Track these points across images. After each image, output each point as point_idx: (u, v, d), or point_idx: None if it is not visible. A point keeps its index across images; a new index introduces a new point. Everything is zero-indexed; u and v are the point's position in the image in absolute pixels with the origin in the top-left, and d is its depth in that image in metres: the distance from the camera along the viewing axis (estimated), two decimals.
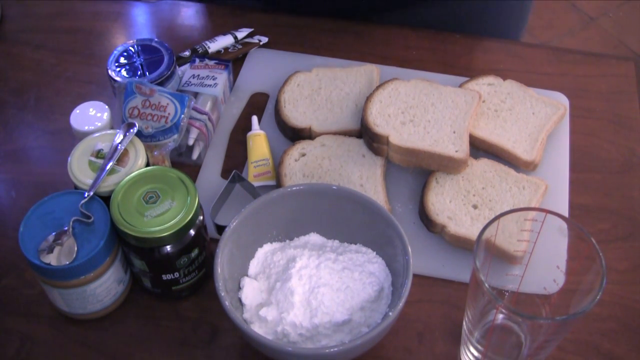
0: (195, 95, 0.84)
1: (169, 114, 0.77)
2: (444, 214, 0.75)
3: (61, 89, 0.93)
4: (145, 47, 0.84)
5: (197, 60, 0.88)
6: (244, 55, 0.95)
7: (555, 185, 0.80)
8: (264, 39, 0.96)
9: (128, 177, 0.68)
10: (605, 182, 0.82)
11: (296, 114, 0.85)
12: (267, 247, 0.71)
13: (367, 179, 0.78)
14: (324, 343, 0.64)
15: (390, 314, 0.61)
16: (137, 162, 0.70)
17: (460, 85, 0.87)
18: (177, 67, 0.87)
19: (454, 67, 0.93)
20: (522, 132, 0.82)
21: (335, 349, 0.61)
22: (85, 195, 0.67)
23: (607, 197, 0.81)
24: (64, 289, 0.66)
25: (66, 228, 0.65)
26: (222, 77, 0.86)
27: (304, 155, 0.81)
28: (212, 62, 0.88)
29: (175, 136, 0.77)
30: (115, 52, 0.83)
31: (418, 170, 0.81)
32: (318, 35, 0.98)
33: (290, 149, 0.81)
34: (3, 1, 1.03)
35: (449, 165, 0.77)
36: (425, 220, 0.76)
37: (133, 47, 0.84)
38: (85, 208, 0.66)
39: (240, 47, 0.95)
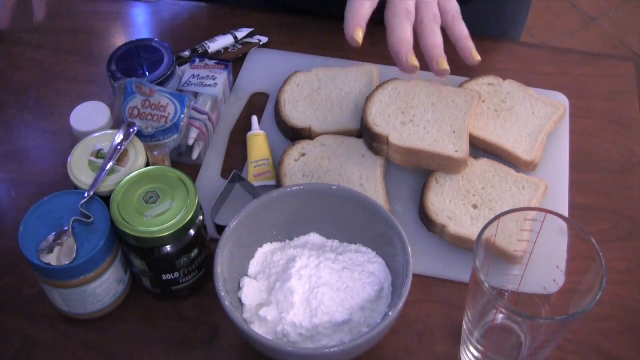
0: (195, 95, 0.84)
1: (169, 114, 0.77)
2: (444, 214, 0.75)
3: (61, 89, 0.93)
4: (145, 47, 0.84)
5: (197, 60, 0.88)
6: (244, 55, 0.95)
7: (555, 185, 0.80)
8: (264, 39, 0.96)
9: (128, 177, 0.68)
10: (605, 182, 0.82)
11: (296, 114, 0.85)
12: (267, 247, 0.71)
13: (367, 179, 0.79)
14: (324, 343, 0.64)
15: (390, 314, 0.61)
16: (137, 162, 0.70)
17: (460, 85, 0.87)
18: (177, 67, 0.87)
19: (454, 67, 0.93)
20: (522, 132, 0.82)
21: (335, 349, 0.61)
22: (85, 195, 0.67)
23: (607, 197, 0.81)
24: (64, 289, 0.66)
25: (66, 228, 0.65)
26: (222, 77, 0.86)
27: (304, 155, 0.81)
28: (212, 62, 0.88)
29: (175, 136, 0.77)
30: (115, 52, 0.83)
31: (418, 170, 0.81)
32: (318, 35, 0.98)
33: (290, 149, 0.81)
34: (3, 1, 1.03)
35: (449, 165, 0.77)
36: (425, 220, 0.76)
37: (133, 47, 0.84)
38: (85, 208, 0.66)
39: (240, 47, 0.95)
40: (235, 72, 0.92)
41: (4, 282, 0.74)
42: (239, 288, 0.68)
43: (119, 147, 0.70)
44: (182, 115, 0.77)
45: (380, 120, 0.80)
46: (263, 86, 0.91)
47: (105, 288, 0.68)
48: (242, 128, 0.86)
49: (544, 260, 0.64)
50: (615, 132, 0.87)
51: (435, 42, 0.78)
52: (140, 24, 1.05)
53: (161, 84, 0.81)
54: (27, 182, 0.83)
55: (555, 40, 2.26)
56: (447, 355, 0.69)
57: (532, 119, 0.84)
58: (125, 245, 0.67)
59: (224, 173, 0.82)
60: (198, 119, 0.82)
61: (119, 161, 0.70)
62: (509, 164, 0.80)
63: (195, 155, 0.83)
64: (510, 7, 1.04)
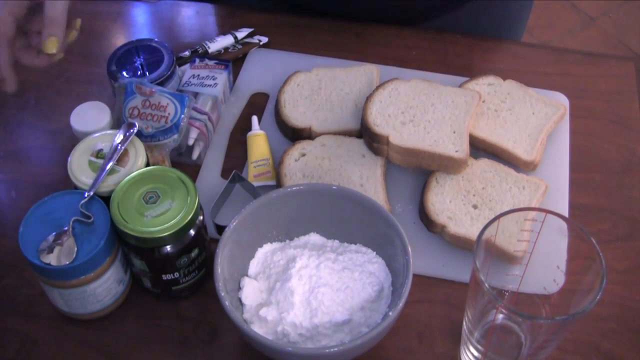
0: (195, 95, 0.84)
1: (169, 114, 0.77)
2: (444, 214, 0.75)
3: (61, 89, 0.93)
4: (145, 47, 0.84)
5: (197, 60, 0.88)
6: (244, 55, 0.95)
7: (555, 185, 0.80)
8: (264, 39, 0.96)
9: (128, 177, 0.68)
10: (605, 182, 0.82)
11: (296, 114, 0.85)
12: (267, 247, 0.71)
13: (367, 179, 0.79)
14: (324, 343, 0.64)
15: (390, 314, 0.61)
16: (137, 162, 0.70)
17: (460, 85, 0.87)
18: (177, 67, 0.87)
19: (454, 67, 0.93)
20: (522, 132, 0.82)
21: (335, 349, 0.61)
22: (85, 195, 0.67)
23: (607, 197, 0.81)
24: (64, 289, 0.66)
25: (66, 228, 0.65)
26: (222, 77, 0.86)
27: (304, 155, 0.81)
28: (212, 62, 0.88)
29: (175, 136, 0.77)
30: (115, 52, 0.83)
31: (418, 170, 0.81)
32: (318, 35, 0.98)
33: (290, 149, 0.81)
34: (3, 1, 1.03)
35: (449, 165, 0.77)
36: (425, 220, 0.76)
37: (133, 47, 0.84)
38: (85, 208, 0.66)
39: (240, 47, 0.95)
40: (235, 72, 0.92)
41: (4, 282, 0.74)
42: (239, 288, 0.68)
43: (119, 147, 0.70)
44: (182, 115, 0.77)
45: (380, 120, 0.80)
46: (263, 86, 0.91)
47: (105, 288, 0.68)
48: (242, 128, 0.86)
49: (544, 260, 0.64)
50: (615, 132, 0.87)
51: None
52: (140, 24, 1.05)
53: (161, 84, 0.81)
54: (27, 182, 0.83)
55: (555, 40, 2.26)
56: (447, 355, 0.69)
57: (532, 119, 0.84)
58: (125, 245, 0.67)
59: (224, 173, 0.82)
60: (198, 119, 0.82)
61: (119, 161, 0.70)
62: (509, 164, 0.80)
63: (195, 155, 0.83)
64: (512, 7, 1.04)
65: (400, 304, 0.61)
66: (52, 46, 0.73)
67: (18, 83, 0.93)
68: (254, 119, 0.86)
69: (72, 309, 0.69)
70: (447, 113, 0.81)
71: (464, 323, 0.64)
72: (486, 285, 0.56)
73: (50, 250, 0.63)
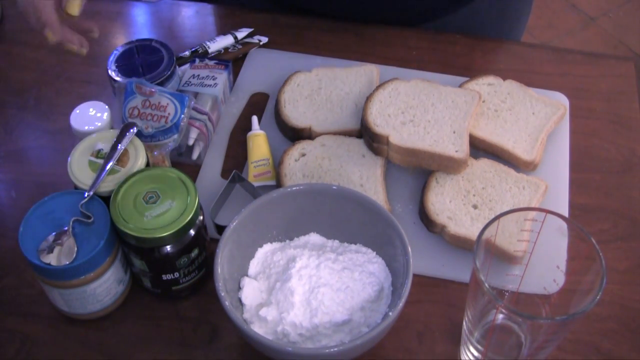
0: (195, 95, 0.84)
1: (169, 114, 0.77)
2: (444, 214, 0.75)
3: (61, 89, 0.93)
4: (145, 47, 0.84)
5: (197, 60, 0.88)
6: (244, 55, 0.95)
7: (555, 185, 0.80)
8: (264, 39, 0.96)
9: (128, 177, 0.68)
10: (605, 182, 0.82)
11: (296, 114, 0.85)
12: (267, 247, 0.71)
13: (367, 179, 0.78)
14: (324, 343, 0.64)
15: (390, 314, 0.61)
16: (137, 162, 0.70)
17: (460, 85, 0.87)
18: (177, 67, 0.87)
19: (454, 67, 0.93)
20: (522, 132, 0.82)
21: (335, 349, 0.61)
22: (85, 195, 0.67)
23: (607, 197, 0.81)
24: (64, 289, 0.66)
25: (66, 228, 0.65)
26: (222, 77, 0.86)
27: (304, 155, 0.81)
28: (212, 62, 0.88)
29: (175, 136, 0.77)
30: (115, 52, 0.83)
31: (418, 170, 0.81)
32: (318, 35, 0.98)
33: (290, 149, 0.81)
34: (3, 1, 1.03)
35: (449, 165, 0.77)
36: (425, 220, 0.76)
37: (133, 47, 0.84)
38: (85, 208, 0.66)
39: (240, 47, 0.95)
40: (235, 72, 0.92)
41: (4, 282, 0.74)
42: (239, 288, 0.68)
43: (119, 147, 0.70)
44: (182, 115, 0.77)
45: (380, 120, 0.80)
46: (263, 86, 0.91)
47: (105, 288, 0.68)
48: (242, 128, 0.86)
49: (544, 260, 0.64)
50: (615, 132, 0.87)
51: None
52: (140, 24, 1.05)
53: (161, 84, 0.81)
54: (27, 182, 0.83)
55: (555, 40, 2.26)
56: (447, 355, 0.69)
57: (532, 119, 0.84)
58: (125, 245, 0.67)
59: (224, 173, 0.82)
60: (198, 119, 0.82)
61: (119, 161, 0.70)
62: (509, 164, 0.80)
63: (195, 155, 0.83)
64: (512, 7, 1.04)
65: (400, 304, 0.61)
66: (75, 8, 0.72)
67: (17, 82, 0.94)
68: (254, 119, 0.86)
69: (72, 309, 0.69)
70: (447, 113, 0.81)
71: (464, 323, 0.64)
72: (486, 285, 0.56)
73: (50, 250, 0.63)
